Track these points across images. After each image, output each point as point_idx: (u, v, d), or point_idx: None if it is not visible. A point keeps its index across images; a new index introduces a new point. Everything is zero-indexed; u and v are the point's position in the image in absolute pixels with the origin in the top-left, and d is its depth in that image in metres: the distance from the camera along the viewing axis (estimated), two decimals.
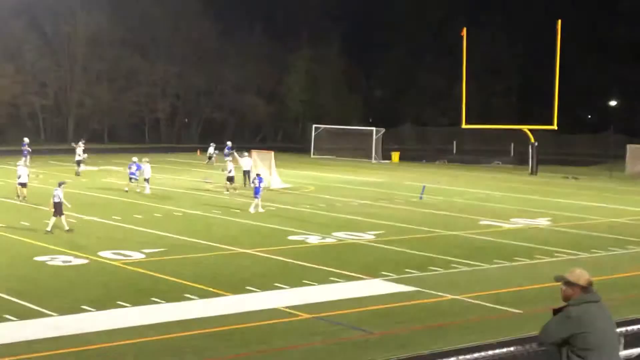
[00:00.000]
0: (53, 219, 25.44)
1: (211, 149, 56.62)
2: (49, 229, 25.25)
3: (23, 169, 33.50)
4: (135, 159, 38.68)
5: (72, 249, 22.60)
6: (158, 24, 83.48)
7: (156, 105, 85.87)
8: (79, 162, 45.91)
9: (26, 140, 51.87)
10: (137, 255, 22.00)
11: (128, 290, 18.04)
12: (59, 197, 25.60)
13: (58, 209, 25.51)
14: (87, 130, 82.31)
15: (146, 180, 37.49)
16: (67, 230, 25.33)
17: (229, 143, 55.47)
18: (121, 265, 20.77)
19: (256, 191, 31.68)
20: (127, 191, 36.89)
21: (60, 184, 26.49)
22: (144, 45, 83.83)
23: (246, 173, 40.93)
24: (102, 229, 26.85)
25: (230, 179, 38.25)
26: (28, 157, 48.39)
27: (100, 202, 34.14)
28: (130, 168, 37.76)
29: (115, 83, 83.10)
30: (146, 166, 37.81)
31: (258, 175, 33.52)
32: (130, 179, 37.64)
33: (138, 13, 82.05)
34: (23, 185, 32.95)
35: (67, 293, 17.66)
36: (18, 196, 32.91)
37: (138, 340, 14.37)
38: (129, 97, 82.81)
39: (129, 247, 23.21)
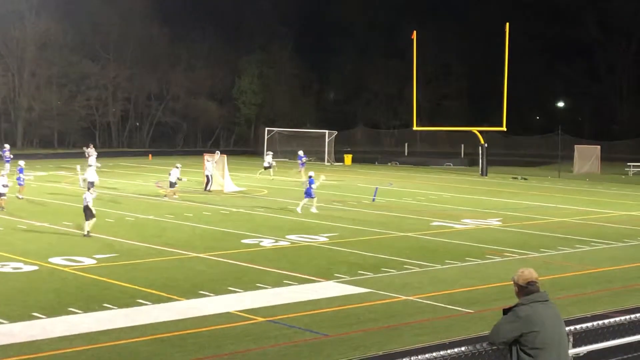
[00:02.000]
0: (88, 222, 25.80)
1: (269, 158, 50.89)
2: (87, 231, 25.69)
3: (2, 178, 32.11)
4: (21, 162, 37.67)
5: (22, 256, 22.31)
6: (108, 28, 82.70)
7: (107, 109, 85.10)
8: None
9: (7, 146, 49.50)
10: (88, 261, 21.80)
11: (79, 296, 17.87)
12: (87, 201, 25.78)
13: (87, 213, 25.75)
14: (36, 136, 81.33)
15: (91, 183, 36.81)
16: (85, 235, 25.58)
17: (300, 152, 52.45)
18: (72, 271, 20.56)
19: (308, 192, 32.69)
20: (21, 198, 35.34)
21: (89, 188, 26.93)
22: (94, 49, 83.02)
23: (208, 177, 40.86)
24: (53, 234, 26.54)
25: (172, 185, 37.26)
26: (9, 165, 46.21)
27: (51, 207, 33.75)
28: (18, 172, 36.41)
29: (66, 87, 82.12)
30: (91, 170, 37.22)
31: (310, 177, 33.68)
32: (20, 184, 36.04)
33: (88, 17, 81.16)
34: (1, 195, 31.82)
35: (17, 300, 17.43)
36: (2, 208, 31.68)
37: (90, 346, 14.24)
38: (79, 102, 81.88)
39: (80, 252, 22.97)
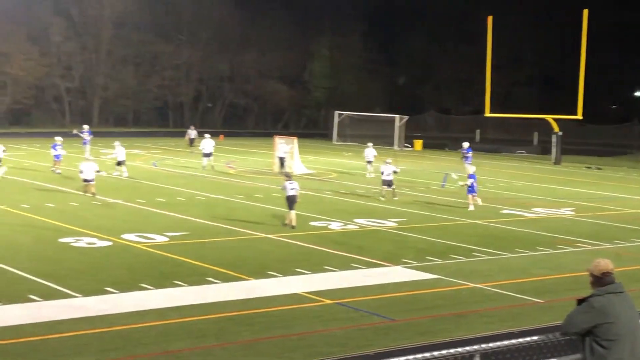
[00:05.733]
0: (291, 212, 24.64)
1: (370, 152, 42.60)
2: (293, 223, 24.51)
3: (86, 163, 30.02)
4: (58, 138, 38.27)
5: (96, 231, 22.79)
6: (182, 9, 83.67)
7: (180, 90, 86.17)
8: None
9: (86, 127, 46.82)
10: (160, 239, 22.15)
11: (151, 272, 18.18)
12: (292, 190, 24.73)
13: (290, 202, 24.67)
14: (111, 114, 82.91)
15: (120, 163, 37.21)
16: (292, 227, 24.35)
17: (465, 144, 44.25)
18: (144, 248, 20.93)
19: (473, 189, 30.55)
20: (59, 173, 36.70)
21: (288, 176, 25.87)
22: (168, 30, 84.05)
23: (281, 160, 40.97)
24: (126, 211, 27.04)
25: (388, 183, 32.33)
26: (88, 146, 44.36)
27: (124, 184, 34.37)
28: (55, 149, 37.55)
29: (140, 67, 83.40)
30: (120, 149, 37.32)
31: (473, 174, 31.33)
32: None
33: None
34: (87, 181, 29.62)
35: (91, 274, 17.81)
36: (85, 192, 29.65)
37: (160, 322, 14.49)
38: (153, 81, 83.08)
39: (152, 230, 23.37)
